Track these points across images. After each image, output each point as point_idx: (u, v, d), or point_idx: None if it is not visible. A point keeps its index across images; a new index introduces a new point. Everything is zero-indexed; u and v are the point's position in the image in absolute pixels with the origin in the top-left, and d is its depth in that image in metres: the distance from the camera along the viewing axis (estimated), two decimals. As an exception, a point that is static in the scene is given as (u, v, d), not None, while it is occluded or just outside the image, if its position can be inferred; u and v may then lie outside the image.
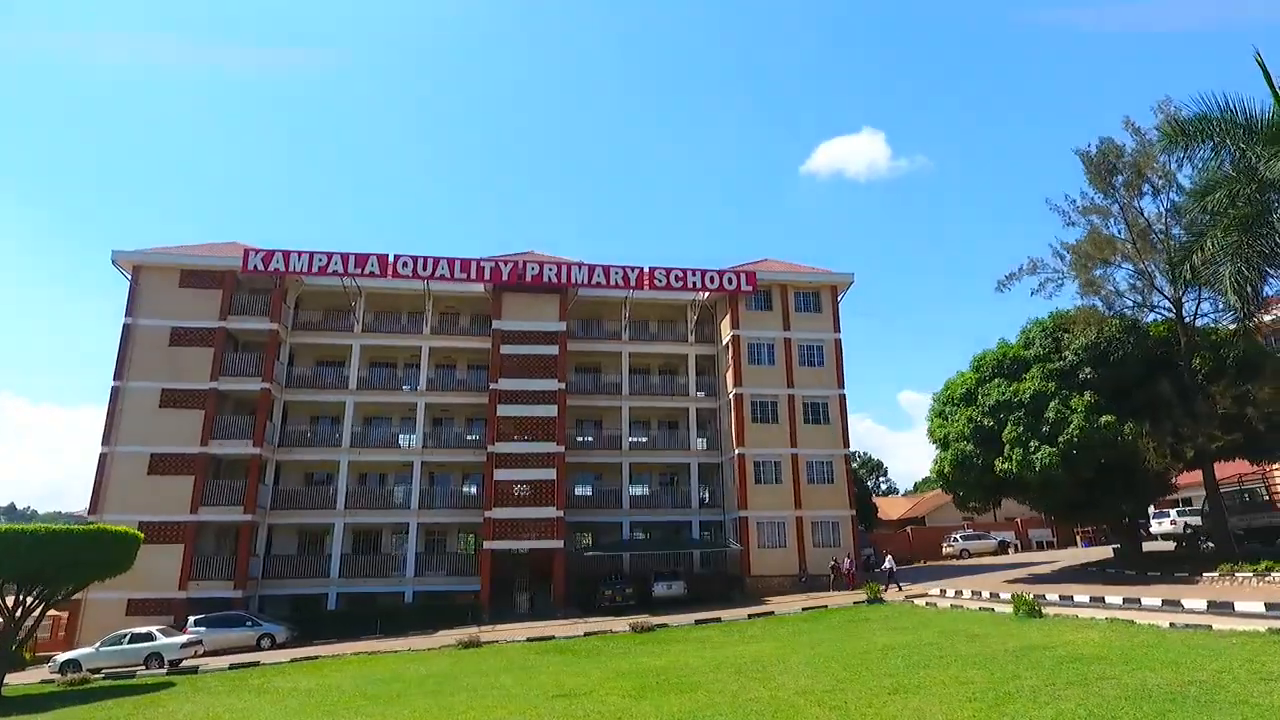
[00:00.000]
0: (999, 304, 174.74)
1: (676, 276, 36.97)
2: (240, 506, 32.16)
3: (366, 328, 37.51)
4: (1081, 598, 19.10)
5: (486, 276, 35.68)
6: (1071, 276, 26.31)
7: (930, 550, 48.01)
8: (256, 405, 33.98)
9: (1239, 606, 14.23)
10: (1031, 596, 17.72)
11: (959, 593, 24.61)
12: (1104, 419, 23.00)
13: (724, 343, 38.65)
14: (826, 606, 25.53)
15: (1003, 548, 46.79)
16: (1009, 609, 19.46)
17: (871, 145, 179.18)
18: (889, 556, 32.77)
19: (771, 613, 25.37)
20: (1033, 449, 23.59)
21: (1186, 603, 15.77)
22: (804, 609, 25.48)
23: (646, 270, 36.90)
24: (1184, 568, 23.58)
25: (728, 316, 37.98)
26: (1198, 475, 28.92)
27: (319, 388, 36.46)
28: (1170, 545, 29.83)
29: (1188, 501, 34.05)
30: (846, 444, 36.70)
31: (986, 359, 26.83)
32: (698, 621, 24.80)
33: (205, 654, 25.61)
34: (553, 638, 24.15)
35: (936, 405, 29.35)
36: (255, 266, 33.84)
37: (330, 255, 35.04)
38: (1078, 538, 48.52)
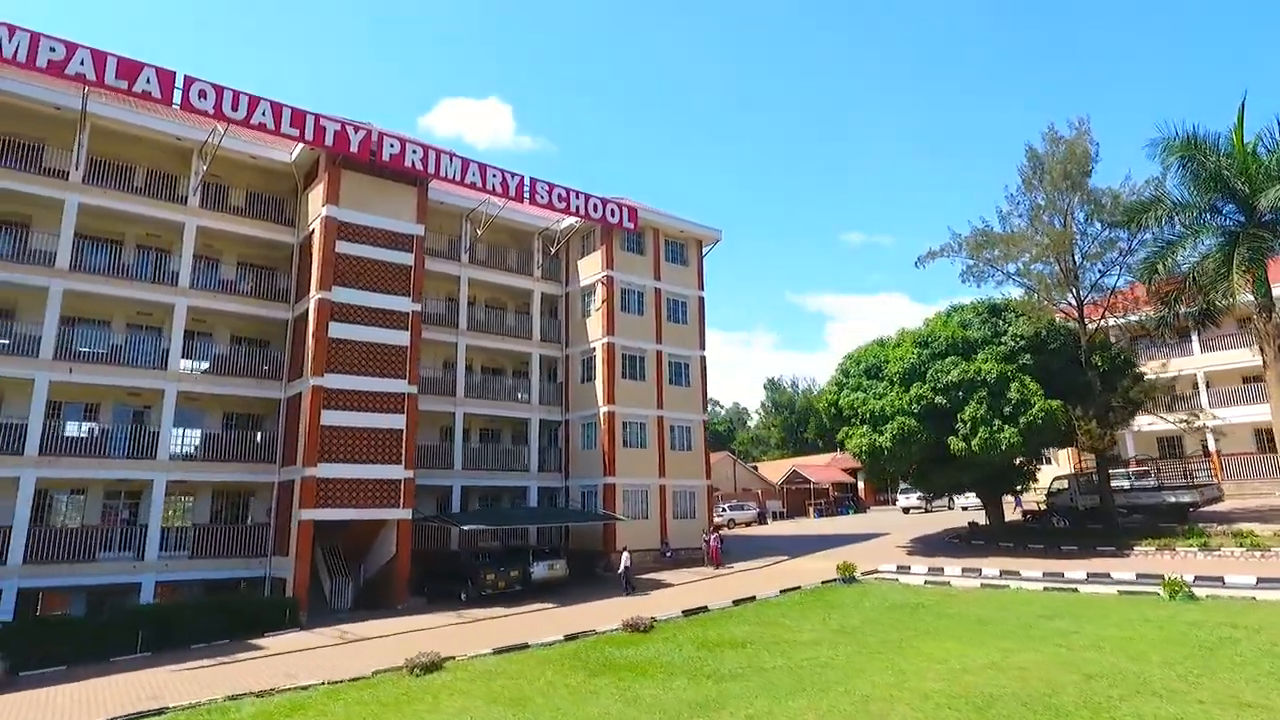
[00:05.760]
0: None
1: (560, 196, 30.54)
2: None
3: (86, 178, 23.91)
4: (1124, 575, 19.53)
5: (328, 141, 25.11)
6: (987, 261, 27.85)
7: (694, 520, 48.25)
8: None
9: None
10: (1180, 578, 17.39)
11: (939, 570, 23.88)
12: (1054, 403, 24.51)
13: (585, 283, 33.34)
14: (800, 587, 22.95)
15: (760, 518, 49.33)
16: (1100, 589, 19.35)
17: (497, 115, 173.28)
18: (626, 552, 25.23)
19: (753, 598, 21.88)
20: (996, 428, 24.12)
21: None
22: (781, 591, 22.48)
23: (527, 180, 29.85)
24: (1043, 540, 26.59)
25: (598, 253, 32.76)
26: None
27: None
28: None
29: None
30: (705, 409, 34.44)
31: (938, 337, 26.86)
32: (685, 613, 20.25)
33: None
34: (527, 645, 17.54)
35: (851, 380, 28.77)
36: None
37: (37, 37, 21.12)
38: (810, 509, 53.69)
